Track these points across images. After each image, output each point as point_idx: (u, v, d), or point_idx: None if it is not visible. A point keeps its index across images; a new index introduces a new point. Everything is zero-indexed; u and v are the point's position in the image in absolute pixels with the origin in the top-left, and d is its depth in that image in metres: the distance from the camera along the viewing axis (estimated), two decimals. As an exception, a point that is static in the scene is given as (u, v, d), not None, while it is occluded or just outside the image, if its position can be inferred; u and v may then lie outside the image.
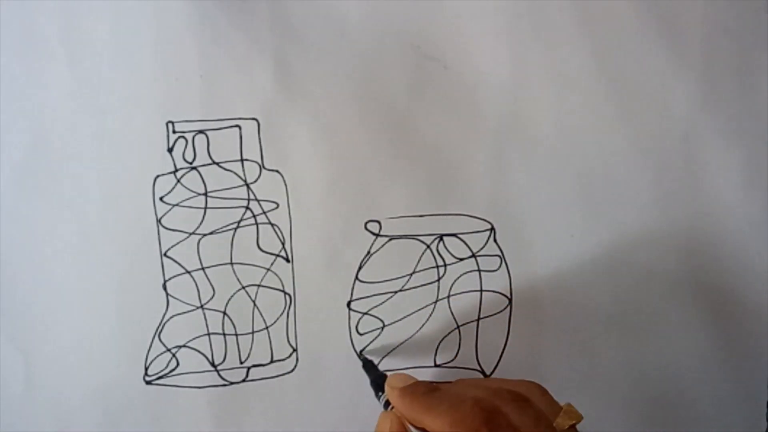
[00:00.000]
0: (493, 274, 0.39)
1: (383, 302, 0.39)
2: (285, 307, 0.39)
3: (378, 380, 0.36)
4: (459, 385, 0.35)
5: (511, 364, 0.39)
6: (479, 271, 0.39)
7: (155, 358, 0.38)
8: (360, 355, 0.38)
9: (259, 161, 0.38)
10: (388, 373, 0.35)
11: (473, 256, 0.39)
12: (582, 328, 0.39)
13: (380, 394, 0.35)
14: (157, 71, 0.37)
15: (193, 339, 0.38)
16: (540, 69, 0.38)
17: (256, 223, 0.38)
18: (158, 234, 0.38)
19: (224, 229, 0.38)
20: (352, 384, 0.39)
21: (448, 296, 0.39)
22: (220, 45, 0.37)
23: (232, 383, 0.39)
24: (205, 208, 0.38)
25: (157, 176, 0.37)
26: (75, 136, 0.37)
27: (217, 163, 0.38)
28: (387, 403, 0.34)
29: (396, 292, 0.39)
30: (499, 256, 0.39)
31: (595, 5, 0.38)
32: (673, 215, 0.39)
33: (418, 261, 0.39)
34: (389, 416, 0.34)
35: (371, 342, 0.39)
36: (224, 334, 0.38)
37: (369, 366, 0.38)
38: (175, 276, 0.38)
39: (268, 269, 0.38)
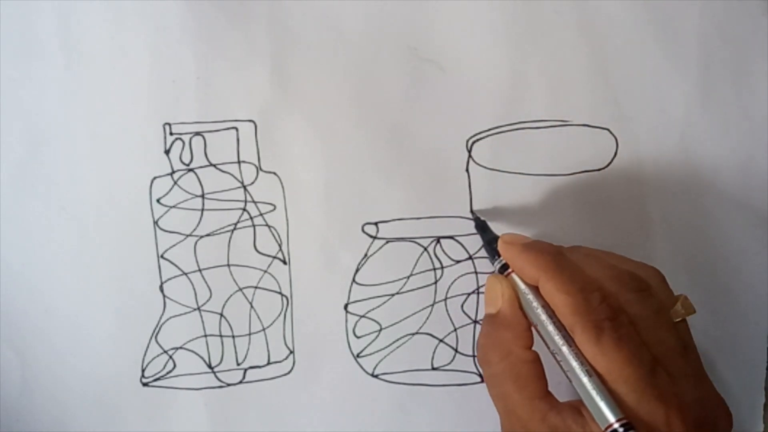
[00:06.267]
0: (490, 277, 0.39)
1: (380, 305, 0.39)
2: (282, 309, 0.39)
3: (492, 242, 0.35)
4: (581, 258, 0.33)
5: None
6: (476, 273, 0.39)
7: (152, 359, 0.38)
8: (472, 212, 0.37)
9: (256, 163, 0.38)
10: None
11: (470, 258, 0.39)
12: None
13: (496, 258, 0.34)
14: (154, 73, 0.37)
15: (190, 341, 0.38)
16: (537, 71, 0.38)
17: (253, 225, 0.38)
18: (155, 236, 0.38)
19: (221, 231, 0.38)
20: (348, 386, 0.39)
21: (446, 299, 0.39)
22: (217, 47, 0.37)
23: (228, 385, 0.39)
24: (202, 209, 0.38)
25: (154, 178, 0.38)
26: (72, 138, 0.37)
27: (214, 165, 0.38)
28: (503, 269, 0.34)
29: (393, 295, 0.39)
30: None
31: (593, 7, 0.38)
32: (670, 216, 0.39)
33: (415, 263, 0.39)
34: (500, 279, 0.33)
35: (368, 345, 0.39)
36: (221, 336, 0.39)
37: (482, 227, 0.36)
38: (172, 278, 0.38)
39: (265, 271, 0.38)
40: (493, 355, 0.33)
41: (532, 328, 0.33)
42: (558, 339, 0.31)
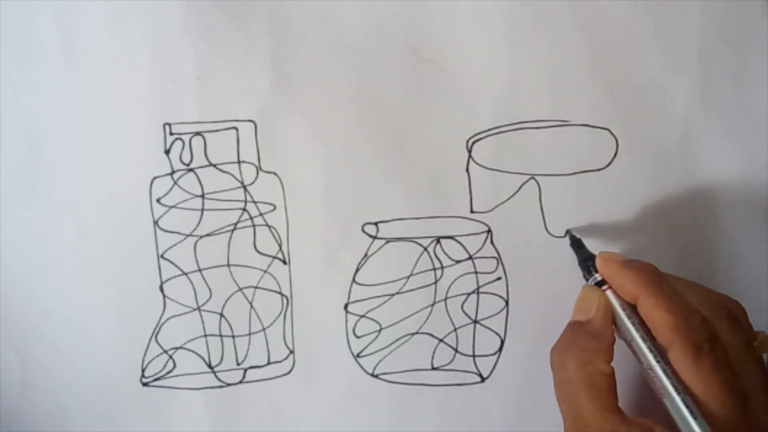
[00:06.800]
0: (490, 276, 0.39)
1: (380, 305, 0.39)
2: (282, 309, 0.39)
3: (587, 261, 0.35)
4: (677, 283, 0.34)
5: (508, 366, 0.39)
6: (476, 273, 0.39)
7: (152, 359, 0.38)
8: (568, 231, 0.38)
9: (256, 163, 0.38)
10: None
11: (470, 258, 0.39)
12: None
13: (592, 275, 0.35)
14: (154, 73, 0.37)
15: (190, 341, 0.38)
16: (537, 71, 0.38)
17: (253, 225, 0.38)
18: (155, 236, 0.38)
19: (221, 230, 0.38)
20: (348, 386, 0.39)
21: (445, 299, 0.39)
22: (217, 47, 0.37)
23: (228, 385, 0.39)
24: (202, 209, 0.38)
25: (154, 178, 0.38)
26: (72, 138, 0.37)
27: (214, 165, 0.38)
28: (599, 284, 0.34)
29: (393, 295, 0.39)
30: (495, 258, 0.39)
31: (593, 8, 0.38)
32: (671, 216, 0.39)
33: (416, 263, 0.39)
34: (598, 291, 0.34)
35: (369, 345, 0.39)
36: (221, 336, 0.39)
37: (577, 244, 0.37)
38: (172, 278, 0.38)
39: (265, 271, 0.38)
40: (571, 361, 0.33)
41: (622, 345, 0.33)
42: (651, 357, 0.32)
